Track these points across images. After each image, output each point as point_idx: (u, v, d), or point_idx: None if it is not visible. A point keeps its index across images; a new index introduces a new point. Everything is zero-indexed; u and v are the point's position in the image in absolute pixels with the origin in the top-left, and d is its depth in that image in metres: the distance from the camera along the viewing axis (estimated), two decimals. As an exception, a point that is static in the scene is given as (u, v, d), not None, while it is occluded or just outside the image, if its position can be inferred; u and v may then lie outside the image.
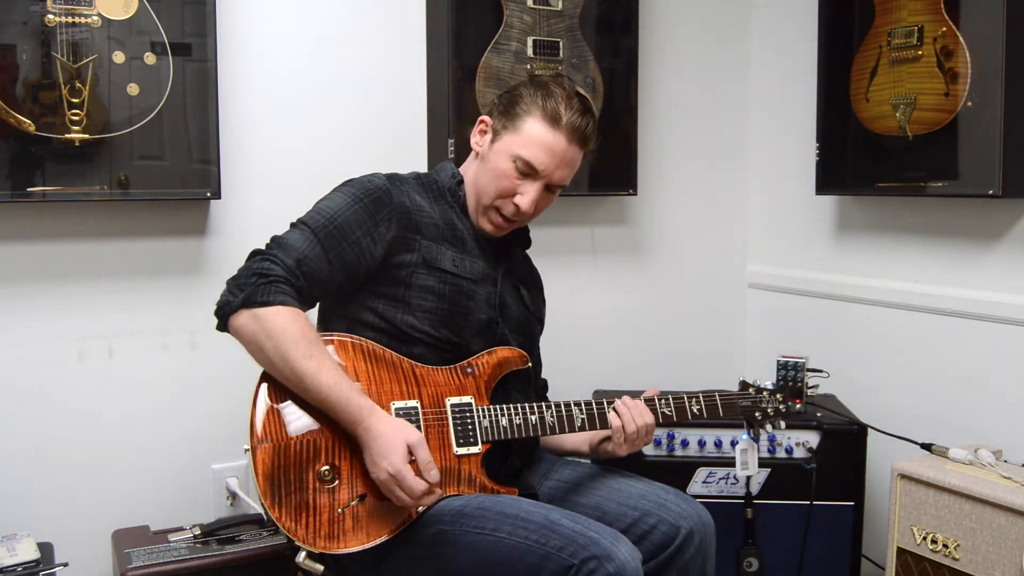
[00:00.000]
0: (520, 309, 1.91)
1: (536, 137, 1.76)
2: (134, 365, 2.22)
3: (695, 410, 1.85)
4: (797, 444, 2.32)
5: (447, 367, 1.76)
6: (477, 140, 1.86)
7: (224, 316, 1.62)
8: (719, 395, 1.87)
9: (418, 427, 1.65)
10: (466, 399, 1.73)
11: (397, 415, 1.65)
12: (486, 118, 1.85)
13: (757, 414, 1.91)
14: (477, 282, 1.80)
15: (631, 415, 1.78)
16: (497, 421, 1.72)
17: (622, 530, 1.70)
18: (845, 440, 2.31)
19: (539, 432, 1.76)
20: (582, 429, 1.79)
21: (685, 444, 2.34)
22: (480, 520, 1.58)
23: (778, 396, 1.93)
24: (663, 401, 1.84)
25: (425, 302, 1.74)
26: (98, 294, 2.18)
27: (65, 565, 1.95)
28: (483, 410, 1.73)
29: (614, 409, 1.80)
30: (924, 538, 2.05)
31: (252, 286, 1.59)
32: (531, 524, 1.55)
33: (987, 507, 1.92)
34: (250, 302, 1.58)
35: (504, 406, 1.74)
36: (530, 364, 1.85)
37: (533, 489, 1.82)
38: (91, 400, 2.18)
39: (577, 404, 1.79)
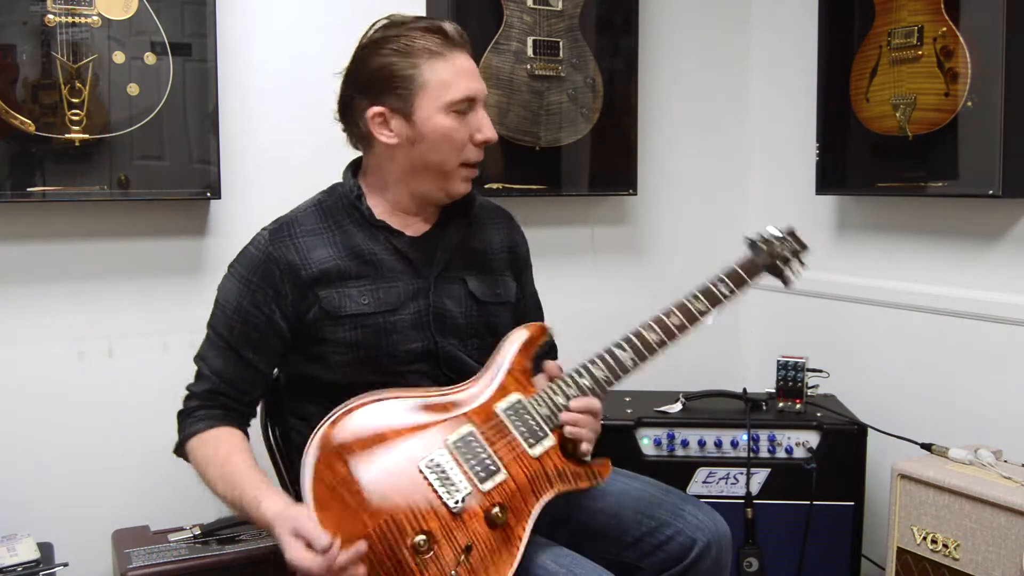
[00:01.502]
0: (468, 307, 1.72)
1: (446, 74, 1.61)
2: (134, 365, 2.22)
3: (724, 291, 1.80)
4: (797, 444, 2.32)
5: (474, 378, 1.64)
6: (387, 133, 1.64)
7: (181, 456, 1.69)
8: (737, 267, 1.84)
9: (482, 449, 1.54)
10: (513, 397, 1.62)
11: (456, 447, 1.54)
12: (377, 108, 1.63)
13: (777, 262, 1.91)
14: (398, 308, 1.64)
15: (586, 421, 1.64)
16: (554, 402, 1.62)
17: (636, 538, 1.67)
18: (845, 440, 2.31)
19: (600, 392, 1.65)
20: (634, 365, 1.69)
21: (685, 444, 2.34)
22: None
23: (788, 239, 1.92)
24: (692, 296, 1.78)
25: (338, 356, 1.62)
26: (98, 294, 2.18)
27: (65, 565, 1.95)
28: (535, 399, 1.62)
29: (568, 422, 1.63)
30: (924, 538, 2.04)
31: (179, 426, 1.68)
32: None
33: (987, 507, 1.92)
34: (179, 441, 1.67)
35: (550, 386, 1.64)
36: (550, 335, 1.75)
37: None
38: (91, 400, 2.18)
39: (618, 345, 1.69)
